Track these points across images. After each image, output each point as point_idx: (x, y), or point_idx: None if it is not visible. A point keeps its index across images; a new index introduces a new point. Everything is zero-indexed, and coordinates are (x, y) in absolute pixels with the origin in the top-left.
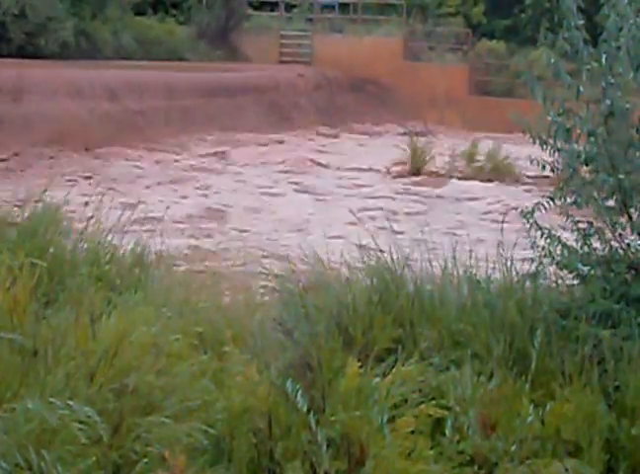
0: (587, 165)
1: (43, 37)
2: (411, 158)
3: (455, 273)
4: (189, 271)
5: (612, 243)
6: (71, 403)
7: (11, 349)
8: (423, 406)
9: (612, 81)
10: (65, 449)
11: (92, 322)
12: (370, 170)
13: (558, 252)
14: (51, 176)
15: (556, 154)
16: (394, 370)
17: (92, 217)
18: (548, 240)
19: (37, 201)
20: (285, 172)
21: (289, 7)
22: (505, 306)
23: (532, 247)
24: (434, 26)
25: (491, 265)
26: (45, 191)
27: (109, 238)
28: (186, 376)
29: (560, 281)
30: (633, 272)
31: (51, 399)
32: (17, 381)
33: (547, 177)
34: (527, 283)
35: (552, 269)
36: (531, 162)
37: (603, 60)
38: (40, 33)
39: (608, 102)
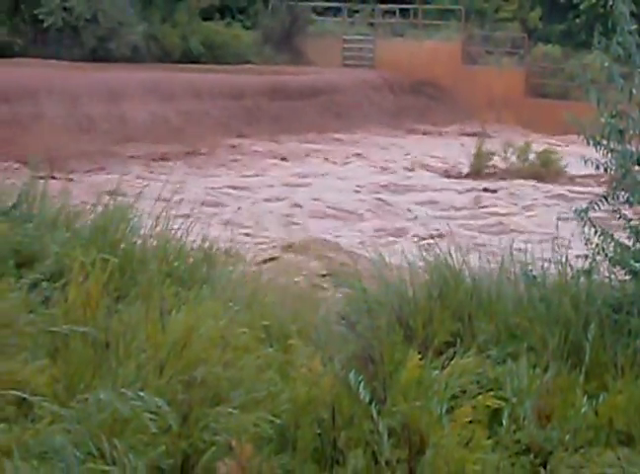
0: (639, 165)
1: (115, 41)
2: (474, 158)
3: (512, 268)
4: None
5: None
6: (142, 394)
7: (84, 341)
8: (480, 397)
9: None
10: (136, 438)
11: (162, 316)
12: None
13: (611, 249)
14: None
15: (609, 155)
16: (453, 363)
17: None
18: (602, 237)
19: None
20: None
21: (352, 12)
22: (560, 301)
23: (586, 244)
24: (491, 30)
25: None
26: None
27: None
28: (252, 368)
29: (613, 277)
30: None
31: (123, 390)
32: (90, 373)
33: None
34: (582, 279)
35: (605, 265)
36: (585, 162)
37: None
38: (111, 37)
39: None
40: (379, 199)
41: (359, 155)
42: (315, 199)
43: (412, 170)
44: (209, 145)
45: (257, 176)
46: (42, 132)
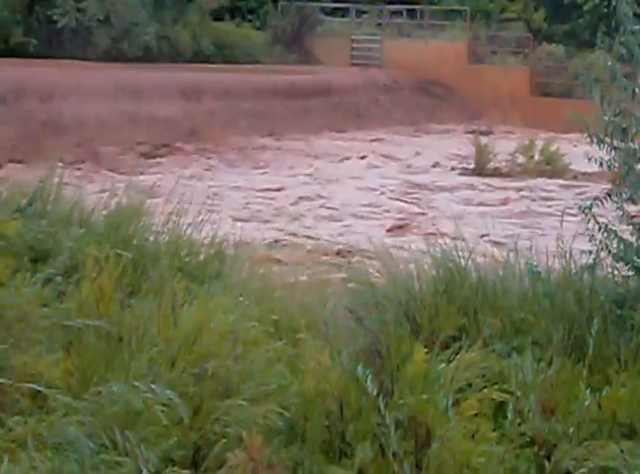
0: None
1: (127, 41)
2: (476, 156)
3: (517, 264)
4: None
5: None
6: (154, 387)
7: (97, 335)
8: (486, 390)
9: None
10: (148, 430)
11: (173, 310)
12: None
13: (614, 245)
14: None
15: (612, 152)
16: (459, 356)
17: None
18: (605, 234)
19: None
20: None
21: (360, 13)
22: (564, 296)
23: (590, 240)
24: (497, 30)
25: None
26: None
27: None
28: (262, 362)
29: (616, 273)
30: None
31: (135, 383)
32: (103, 366)
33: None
34: (585, 275)
35: (609, 261)
36: (588, 160)
37: None
38: (123, 37)
39: None
40: (418, 199)
41: (383, 155)
42: (358, 200)
43: (435, 168)
44: (238, 144)
45: (294, 175)
46: (76, 131)
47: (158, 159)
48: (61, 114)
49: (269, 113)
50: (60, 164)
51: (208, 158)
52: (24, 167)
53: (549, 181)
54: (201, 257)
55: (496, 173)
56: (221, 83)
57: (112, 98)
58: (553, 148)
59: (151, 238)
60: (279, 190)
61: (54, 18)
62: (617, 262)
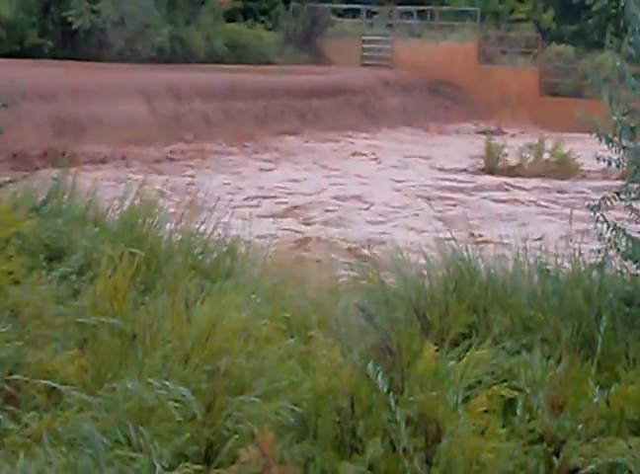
0: None
1: (141, 42)
2: (486, 156)
3: (526, 262)
4: None
5: None
6: (167, 383)
7: (111, 333)
8: (495, 387)
9: None
10: (162, 426)
11: (187, 308)
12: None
13: (623, 243)
14: None
15: (621, 151)
16: (468, 354)
17: None
18: (614, 232)
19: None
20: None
21: (371, 14)
22: (573, 294)
23: (599, 239)
24: (506, 31)
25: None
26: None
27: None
28: (274, 359)
29: (625, 271)
30: None
31: (149, 379)
32: (117, 363)
33: None
34: (594, 273)
35: (617, 259)
36: (597, 159)
37: None
38: (137, 38)
39: None
40: (457, 200)
41: (407, 156)
42: (399, 202)
43: (461, 168)
44: (270, 144)
45: (329, 176)
46: (108, 133)
47: (190, 161)
48: (91, 115)
49: (294, 113)
50: (93, 165)
51: (244, 158)
52: (56, 169)
53: (579, 182)
54: (214, 254)
55: (511, 173)
56: (250, 83)
57: (138, 98)
58: (564, 148)
59: (165, 236)
60: (318, 192)
61: (69, 19)
62: (626, 260)
